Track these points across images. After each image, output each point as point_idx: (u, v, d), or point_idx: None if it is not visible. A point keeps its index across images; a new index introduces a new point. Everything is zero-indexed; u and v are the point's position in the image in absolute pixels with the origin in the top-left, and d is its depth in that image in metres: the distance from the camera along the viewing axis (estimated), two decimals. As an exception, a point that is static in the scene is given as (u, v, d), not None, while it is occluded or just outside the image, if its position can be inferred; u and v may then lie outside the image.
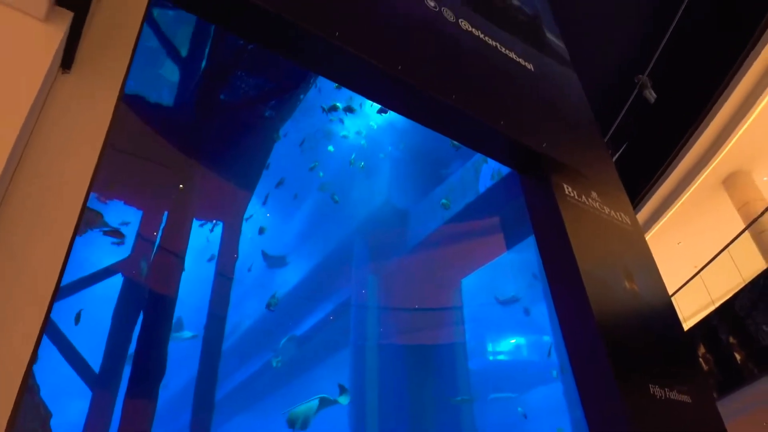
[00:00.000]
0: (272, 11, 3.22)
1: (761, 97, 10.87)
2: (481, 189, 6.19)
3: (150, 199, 5.73)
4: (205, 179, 6.29)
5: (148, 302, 4.83)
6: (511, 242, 5.79)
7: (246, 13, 3.26)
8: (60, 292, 1.99)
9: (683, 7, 13.01)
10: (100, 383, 4.38)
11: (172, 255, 5.13)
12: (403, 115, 4.43)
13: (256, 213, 7.65)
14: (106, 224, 5.13)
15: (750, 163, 12.87)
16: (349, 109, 7.87)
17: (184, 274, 5.11)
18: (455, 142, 5.86)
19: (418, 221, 7.15)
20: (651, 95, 13.15)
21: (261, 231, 7.79)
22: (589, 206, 4.60)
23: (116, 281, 4.84)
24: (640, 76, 13.33)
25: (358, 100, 7.74)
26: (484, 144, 4.75)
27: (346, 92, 7.37)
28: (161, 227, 5.38)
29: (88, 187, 2.16)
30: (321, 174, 8.13)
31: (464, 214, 6.29)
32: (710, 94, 11.25)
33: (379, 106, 7.40)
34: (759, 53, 10.16)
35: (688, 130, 11.90)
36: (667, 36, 13.55)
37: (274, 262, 8.10)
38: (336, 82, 4.10)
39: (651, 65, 13.97)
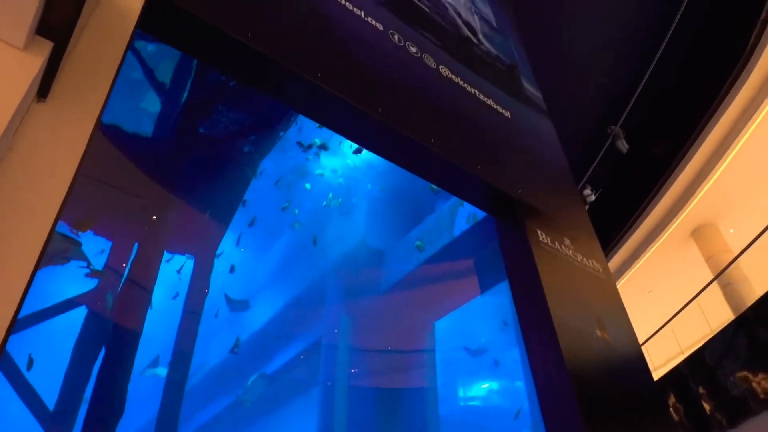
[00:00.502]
0: (256, 49, 3.27)
1: (727, 152, 11.31)
2: (457, 232, 6.23)
3: (121, 229, 5.62)
4: (179, 211, 6.21)
5: (111, 337, 4.66)
6: (485, 286, 5.80)
7: (229, 49, 3.29)
8: (19, 323, 1.91)
9: (655, 61, 13.59)
10: (54, 422, 4.17)
11: (140, 288, 5.00)
12: (382, 157, 4.47)
13: (230, 249, 7.54)
14: (83, 255, 4.99)
15: (717, 216, 13.26)
16: (323, 147, 7.90)
17: (150, 308, 4.97)
18: (434, 186, 5.92)
19: (394, 262, 7.14)
20: (623, 146, 13.54)
21: (232, 269, 7.66)
22: (563, 253, 4.65)
23: (80, 314, 4.67)
24: (613, 127, 13.75)
25: (337, 138, 7.81)
26: (460, 188, 4.80)
27: (326, 130, 7.45)
28: (130, 259, 5.26)
29: (55, 217, 2.12)
30: (296, 211, 8.10)
31: (439, 256, 6.31)
32: (679, 148, 11.66)
33: (355, 146, 7.46)
34: (725, 111, 10.63)
35: (658, 181, 12.27)
36: (639, 89, 14.09)
37: (237, 306, 7.94)
38: (316, 121, 4.14)
39: (624, 117, 14.45)
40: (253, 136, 6.32)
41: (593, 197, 13.82)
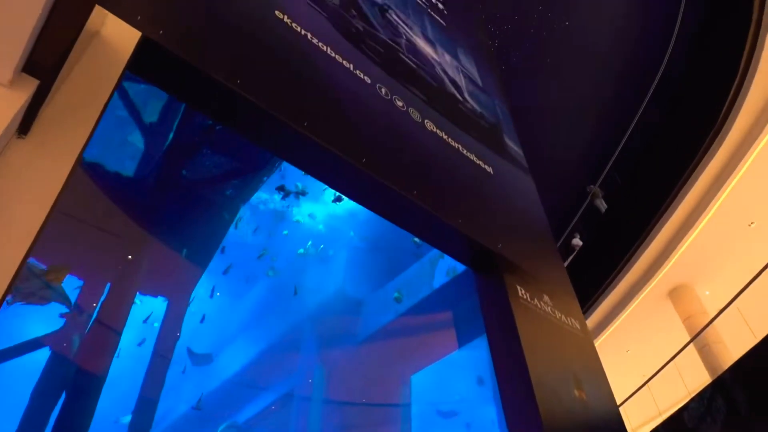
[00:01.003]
0: (245, 96, 3.30)
1: (703, 215, 11.59)
2: (436, 285, 6.20)
3: (95, 268, 5.49)
4: (156, 252, 6.10)
5: (73, 381, 4.46)
6: (462, 340, 5.73)
7: (218, 95, 3.33)
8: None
9: (633, 124, 14.06)
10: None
11: (109, 330, 4.83)
12: (365, 207, 4.48)
13: (205, 294, 7.37)
14: (65, 295, 4.82)
15: (693, 277, 13.43)
16: (305, 194, 7.86)
17: (117, 356, 4.78)
18: (416, 239, 5.92)
19: (372, 312, 7.04)
20: (602, 205, 13.81)
21: (202, 319, 7.43)
22: (541, 310, 4.64)
23: (43, 355, 4.48)
24: (592, 186, 14.06)
25: (320, 186, 7.83)
26: (441, 240, 4.81)
27: (310, 177, 7.48)
28: (101, 299, 5.11)
29: (25, 253, 2.07)
30: (274, 258, 7.99)
31: (418, 308, 6.25)
32: (657, 208, 11.92)
33: (333, 195, 7.47)
34: (700, 174, 10.95)
35: (636, 241, 12.47)
36: (618, 149, 14.50)
37: (200, 359, 7.66)
38: (300, 169, 4.16)
39: (603, 176, 14.79)
40: (236, 180, 6.32)
41: (581, 244, 13.95)
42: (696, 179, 11.02)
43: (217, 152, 5.99)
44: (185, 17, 3.34)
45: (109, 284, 5.32)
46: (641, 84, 13.54)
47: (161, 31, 2.97)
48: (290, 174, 7.50)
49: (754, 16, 8.64)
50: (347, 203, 7.72)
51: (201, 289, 7.05)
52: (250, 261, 7.88)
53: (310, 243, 7.94)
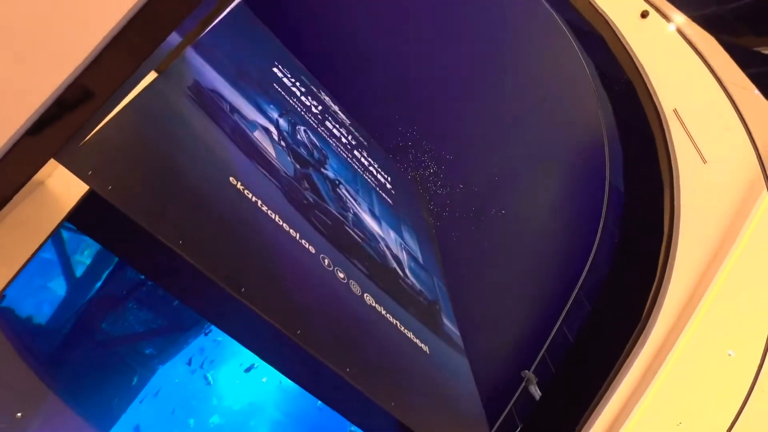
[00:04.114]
0: (184, 257, 3.24)
1: (632, 413, 11.62)
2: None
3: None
4: (52, 411, 5.41)
5: None
6: None
7: (157, 254, 3.25)
8: None
9: (564, 314, 14.59)
10: None
11: None
12: (292, 380, 4.24)
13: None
14: None
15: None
16: (209, 361, 7.26)
17: None
18: (353, 427, 5.55)
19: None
20: (536, 392, 13.68)
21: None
22: None
23: None
24: (526, 371, 14.03)
25: (247, 354, 7.41)
26: (371, 423, 4.54)
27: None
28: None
29: None
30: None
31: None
32: (589, 402, 11.90)
33: (247, 365, 7.08)
34: (628, 370, 11.21)
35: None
36: (549, 338, 14.82)
37: None
38: (229, 335, 3.97)
39: (536, 364, 14.87)
40: (158, 339, 5.92)
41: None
42: (623, 376, 11.25)
43: (144, 308, 5.69)
44: (136, 175, 3.37)
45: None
46: (572, 275, 14.40)
47: (110, 187, 2.96)
48: (214, 334, 7.10)
49: (664, 239, 9.65)
50: (272, 374, 7.27)
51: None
52: (159, 427, 7.03)
53: (215, 417, 7.20)
